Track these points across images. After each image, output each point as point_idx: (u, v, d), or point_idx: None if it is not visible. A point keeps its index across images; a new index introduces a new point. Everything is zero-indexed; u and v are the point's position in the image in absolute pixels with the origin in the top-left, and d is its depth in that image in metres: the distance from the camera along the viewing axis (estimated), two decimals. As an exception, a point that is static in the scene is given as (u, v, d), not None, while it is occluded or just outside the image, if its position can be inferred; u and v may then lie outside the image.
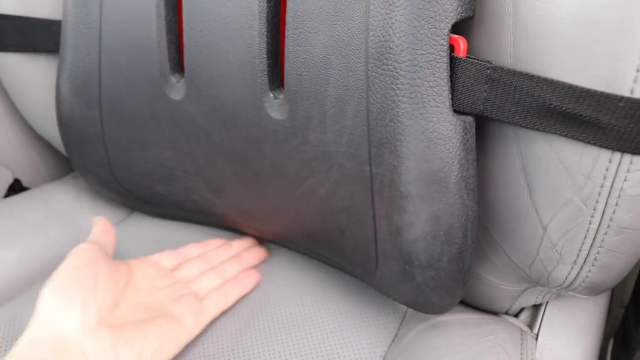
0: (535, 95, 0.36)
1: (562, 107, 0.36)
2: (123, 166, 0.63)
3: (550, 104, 0.36)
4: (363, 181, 0.44)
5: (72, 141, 0.64)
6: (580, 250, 0.42)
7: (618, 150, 0.35)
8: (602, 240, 0.40)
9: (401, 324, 0.54)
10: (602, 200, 0.38)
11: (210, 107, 0.52)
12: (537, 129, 0.38)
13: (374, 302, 0.56)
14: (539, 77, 0.36)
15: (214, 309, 0.55)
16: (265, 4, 0.45)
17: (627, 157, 0.36)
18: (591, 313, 0.53)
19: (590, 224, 0.40)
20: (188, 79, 0.53)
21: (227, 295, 0.57)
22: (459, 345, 0.49)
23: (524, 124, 0.38)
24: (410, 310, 0.56)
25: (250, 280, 0.60)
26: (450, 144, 0.39)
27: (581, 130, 0.36)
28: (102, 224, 0.57)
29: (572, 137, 0.37)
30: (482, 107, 0.38)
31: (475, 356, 0.47)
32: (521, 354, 0.48)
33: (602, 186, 0.38)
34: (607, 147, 0.35)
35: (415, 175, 0.40)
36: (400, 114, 0.39)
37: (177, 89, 0.54)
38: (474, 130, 0.40)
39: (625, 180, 0.36)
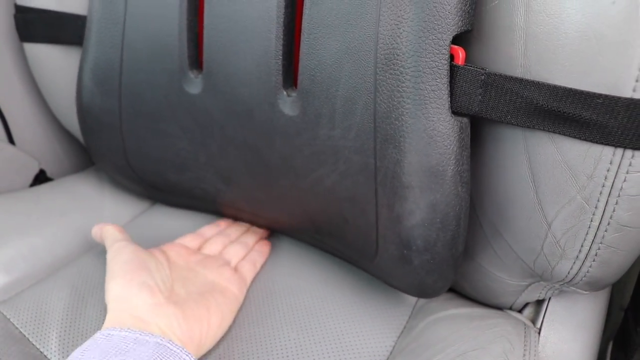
0: (524, 96, 0.41)
1: (547, 105, 0.41)
2: (138, 154, 0.67)
3: (537, 103, 0.41)
4: (368, 173, 0.49)
5: (91, 129, 0.69)
6: (582, 246, 0.45)
7: (619, 146, 0.39)
8: (603, 237, 0.44)
9: (410, 316, 0.58)
10: (603, 199, 0.42)
11: (226, 102, 0.57)
12: (527, 127, 0.43)
13: (383, 295, 0.60)
14: (527, 80, 0.41)
15: (248, 275, 0.61)
16: (283, 10, 0.50)
17: (627, 160, 0.40)
18: (591, 310, 0.57)
19: (591, 221, 0.44)
20: (206, 75, 0.57)
21: (255, 262, 0.63)
22: (465, 336, 0.53)
23: (515, 123, 0.43)
24: (419, 304, 0.60)
25: (266, 247, 0.66)
26: (448, 141, 0.44)
27: (571, 128, 0.41)
28: (112, 226, 0.62)
29: (560, 133, 0.41)
30: (477, 109, 0.43)
31: (481, 346, 0.51)
32: (524, 345, 0.52)
33: (603, 186, 0.42)
34: (607, 144, 0.40)
35: (416, 168, 0.45)
36: (404, 113, 0.44)
37: (194, 84, 0.59)
38: (469, 130, 0.45)
39: (624, 180, 0.41)
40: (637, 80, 0.37)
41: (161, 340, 0.45)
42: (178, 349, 0.45)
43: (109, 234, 0.60)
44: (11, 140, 0.79)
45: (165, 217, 0.73)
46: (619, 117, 0.38)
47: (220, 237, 0.66)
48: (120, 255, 0.55)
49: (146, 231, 0.70)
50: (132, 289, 0.51)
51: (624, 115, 0.38)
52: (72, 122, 0.78)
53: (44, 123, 0.84)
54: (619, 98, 0.38)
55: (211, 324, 0.52)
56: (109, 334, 0.45)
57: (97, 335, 0.45)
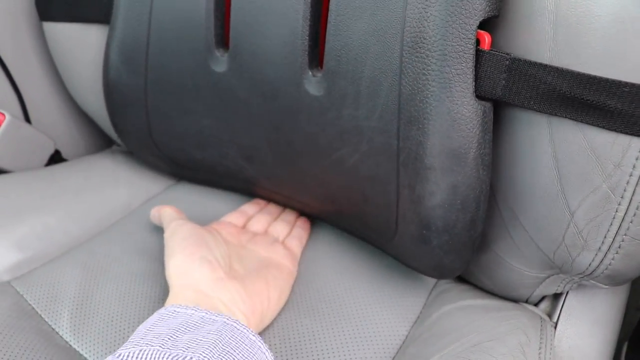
0: (547, 82, 0.42)
1: (570, 93, 0.41)
2: (162, 131, 0.68)
3: (560, 90, 0.41)
4: (390, 153, 0.50)
5: (116, 105, 0.70)
6: (605, 237, 0.45)
7: None
8: (628, 229, 0.43)
9: (424, 306, 0.59)
10: (630, 189, 0.41)
11: (251, 81, 0.58)
12: (550, 113, 0.43)
13: (398, 284, 0.61)
14: (550, 66, 0.42)
15: (297, 250, 0.63)
16: (310, -9, 0.51)
17: None
18: (609, 306, 0.57)
19: (617, 211, 0.43)
20: (232, 54, 0.58)
21: (300, 237, 0.65)
22: (480, 327, 0.53)
23: (537, 109, 0.43)
24: (433, 294, 0.61)
25: (307, 224, 0.68)
26: (471, 125, 0.45)
27: (595, 117, 0.41)
28: (169, 207, 0.64)
29: (584, 122, 0.41)
30: (500, 94, 0.44)
31: (497, 337, 0.51)
32: (540, 339, 0.52)
33: (630, 175, 0.41)
34: (635, 134, 0.39)
35: (438, 149, 0.46)
36: (429, 95, 0.45)
37: (220, 63, 0.60)
38: (492, 115, 0.46)
39: None
40: None
41: (228, 319, 0.46)
42: (245, 329, 0.45)
43: (166, 214, 0.62)
44: (27, 120, 0.81)
45: (182, 198, 0.74)
46: None
47: (264, 215, 0.68)
48: (179, 233, 0.57)
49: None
50: (193, 264, 0.52)
51: None
52: (88, 103, 0.79)
53: (60, 104, 0.85)
54: None
55: (271, 298, 0.53)
56: (175, 310, 0.46)
57: (162, 311, 0.46)
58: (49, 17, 0.74)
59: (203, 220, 0.65)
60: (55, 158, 0.83)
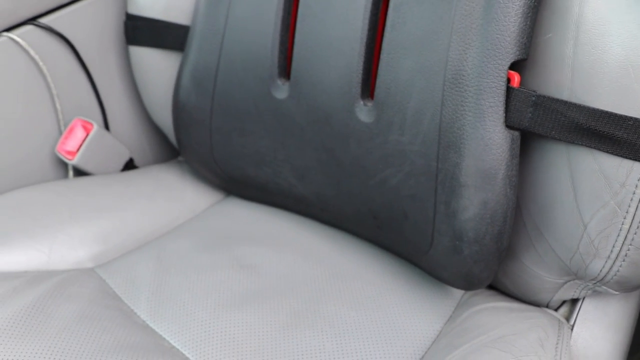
0: (567, 115, 0.50)
1: (586, 124, 0.49)
2: (222, 149, 0.77)
3: (578, 122, 0.50)
4: (429, 174, 0.57)
5: (183, 124, 0.79)
6: (613, 246, 0.52)
7: None
8: (632, 239, 0.51)
9: (455, 308, 0.66)
10: (634, 205, 0.50)
11: (308, 108, 0.66)
12: (569, 142, 0.51)
13: (433, 289, 0.68)
14: (570, 103, 0.50)
15: None
16: (366, 33, 0.59)
17: None
18: (622, 312, 0.63)
19: (622, 224, 0.51)
20: (292, 83, 0.66)
21: None
22: (504, 323, 0.59)
23: (558, 137, 0.51)
24: (464, 299, 0.67)
25: None
26: (501, 150, 0.52)
27: (606, 145, 0.49)
28: None
29: (597, 149, 0.50)
30: (527, 124, 0.52)
31: (519, 332, 0.57)
32: (558, 337, 0.58)
33: (634, 193, 0.49)
34: (637, 160, 0.48)
35: (472, 170, 0.54)
36: (466, 124, 0.53)
37: (281, 90, 0.68)
38: (519, 142, 0.53)
39: None
40: None
41: None
42: None
43: None
44: (107, 129, 0.90)
45: (238, 208, 0.82)
46: None
47: None
48: None
49: (222, 217, 0.80)
50: None
51: None
52: (162, 117, 0.88)
53: (136, 117, 0.95)
54: None
55: None
56: None
57: None
58: (135, 42, 0.84)
59: (256, 225, 0.75)
60: (129, 165, 0.92)
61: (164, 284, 0.66)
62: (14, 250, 0.67)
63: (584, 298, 0.64)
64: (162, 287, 0.66)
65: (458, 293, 0.68)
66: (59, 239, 0.70)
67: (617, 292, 0.58)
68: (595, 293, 0.62)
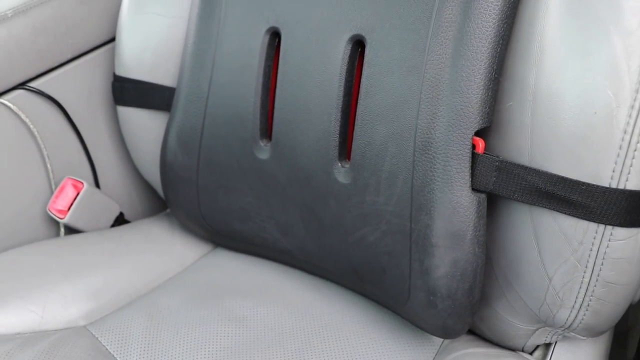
0: (528, 180, 0.54)
1: (545, 188, 0.53)
2: (209, 205, 0.80)
3: (538, 186, 0.53)
4: (404, 233, 0.61)
5: (171, 182, 0.81)
6: (576, 297, 0.56)
7: (600, 222, 0.51)
8: (593, 291, 0.55)
9: (436, 354, 0.68)
10: (592, 261, 0.53)
11: (289, 168, 0.69)
12: (530, 204, 0.55)
13: (414, 335, 0.70)
14: (530, 168, 0.54)
15: None
16: (341, 99, 0.63)
17: (608, 231, 0.52)
18: (592, 355, 0.66)
19: (583, 277, 0.55)
20: (274, 144, 0.70)
21: None
22: None
23: (521, 200, 0.55)
24: (444, 344, 0.70)
25: None
26: (469, 212, 0.56)
27: (564, 207, 0.53)
28: None
29: (556, 210, 0.53)
30: (492, 187, 0.56)
31: None
32: None
33: (591, 250, 0.53)
34: (591, 220, 0.52)
35: (442, 231, 0.57)
36: (435, 188, 0.56)
37: (263, 151, 0.71)
38: (486, 203, 0.57)
39: (607, 247, 0.52)
40: (613, 172, 0.50)
41: None
42: None
43: None
44: (97, 186, 0.93)
45: (226, 260, 0.85)
46: (598, 201, 0.50)
47: None
48: None
49: (211, 270, 0.83)
50: None
51: (601, 199, 0.50)
52: (150, 173, 0.91)
53: (125, 173, 0.98)
54: (598, 187, 0.50)
55: None
56: None
57: None
58: (122, 102, 0.87)
59: (244, 276, 0.78)
60: (120, 219, 0.95)
61: (155, 341, 0.68)
62: (6, 312, 0.69)
63: (556, 342, 0.67)
64: (154, 344, 0.68)
65: (438, 339, 0.71)
66: (52, 298, 0.72)
67: (584, 338, 0.62)
68: (566, 338, 0.65)
